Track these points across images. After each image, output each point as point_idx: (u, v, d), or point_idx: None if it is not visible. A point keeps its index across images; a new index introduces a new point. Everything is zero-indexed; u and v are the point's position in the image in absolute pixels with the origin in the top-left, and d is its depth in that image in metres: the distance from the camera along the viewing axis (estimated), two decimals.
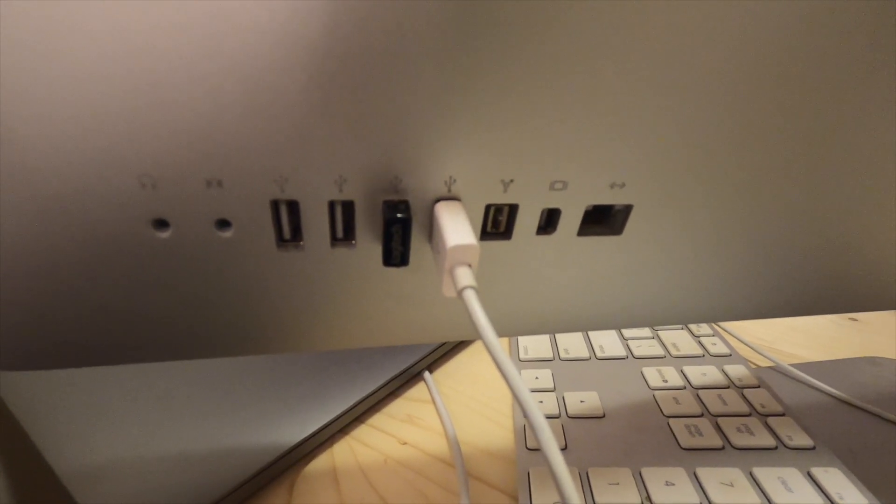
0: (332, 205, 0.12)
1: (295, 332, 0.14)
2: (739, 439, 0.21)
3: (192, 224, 0.11)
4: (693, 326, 0.31)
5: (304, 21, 0.09)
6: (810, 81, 0.12)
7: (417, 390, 0.29)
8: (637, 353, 0.29)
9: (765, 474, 0.19)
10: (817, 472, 0.19)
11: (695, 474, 0.20)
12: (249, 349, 0.14)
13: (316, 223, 0.12)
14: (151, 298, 0.12)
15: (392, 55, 0.10)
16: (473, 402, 0.28)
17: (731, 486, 0.19)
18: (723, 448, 0.21)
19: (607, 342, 0.30)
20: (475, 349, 0.33)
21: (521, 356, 0.29)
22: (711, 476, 0.19)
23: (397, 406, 0.27)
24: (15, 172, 0.10)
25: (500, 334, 0.14)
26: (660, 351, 0.29)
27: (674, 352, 0.29)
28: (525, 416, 0.09)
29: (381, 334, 0.15)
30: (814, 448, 0.21)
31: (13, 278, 0.11)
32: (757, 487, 0.19)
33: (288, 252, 0.12)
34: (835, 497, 0.18)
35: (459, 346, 0.33)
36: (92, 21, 0.09)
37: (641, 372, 0.27)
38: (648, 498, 0.18)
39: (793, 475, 0.19)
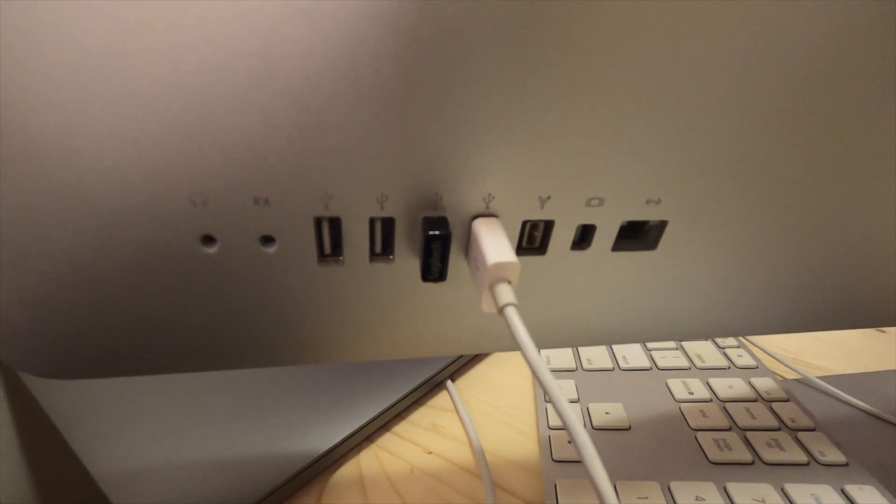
0: (372, 221, 0.12)
1: (331, 343, 0.14)
2: (770, 454, 0.21)
3: (238, 240, 0.11)
4: (718, 338, 0.31)
5: (353, 46, 0.09)
6: (840, 99, 0.12)
7: (440, 399, 0.29)
8: (661, 364, 0.28)
9: (797, 491, 0.19)
10: (852, 489, 0.19)
11: (725, 489, 0.19)
12: (285, 360, 0.14)
13: (356, 239, 0.12)
14: (195, 311, 0.13)
15: (436, 77, 0.10)
16: (496, 410, 0.28)
17: (763, 502, 0.18)
18: (752, 463, 0.21)
19: (631, 353, 0.29)
20: (495, 359, 0.33)
21: None
22: (742, 492, 0.19)
23: (421, 414, 0.28)
24: (76, 190, 0.10)
25: None
26: (684, 362, 0.28)
27: (699, 363, 0.28)
28: (568, 431, 0.09)
29: (416, 346, 0.15)
30: (847, 464, 0.20)
31: (65, 290, 0.12)
32: None
33: (328, 267, 0.12)
34: None
35: (480, 355, 0.33)
36: (151, 46, 0.09)
37: (666, 384, 0.27)
38: None
39: (826, 492, 0.19)
